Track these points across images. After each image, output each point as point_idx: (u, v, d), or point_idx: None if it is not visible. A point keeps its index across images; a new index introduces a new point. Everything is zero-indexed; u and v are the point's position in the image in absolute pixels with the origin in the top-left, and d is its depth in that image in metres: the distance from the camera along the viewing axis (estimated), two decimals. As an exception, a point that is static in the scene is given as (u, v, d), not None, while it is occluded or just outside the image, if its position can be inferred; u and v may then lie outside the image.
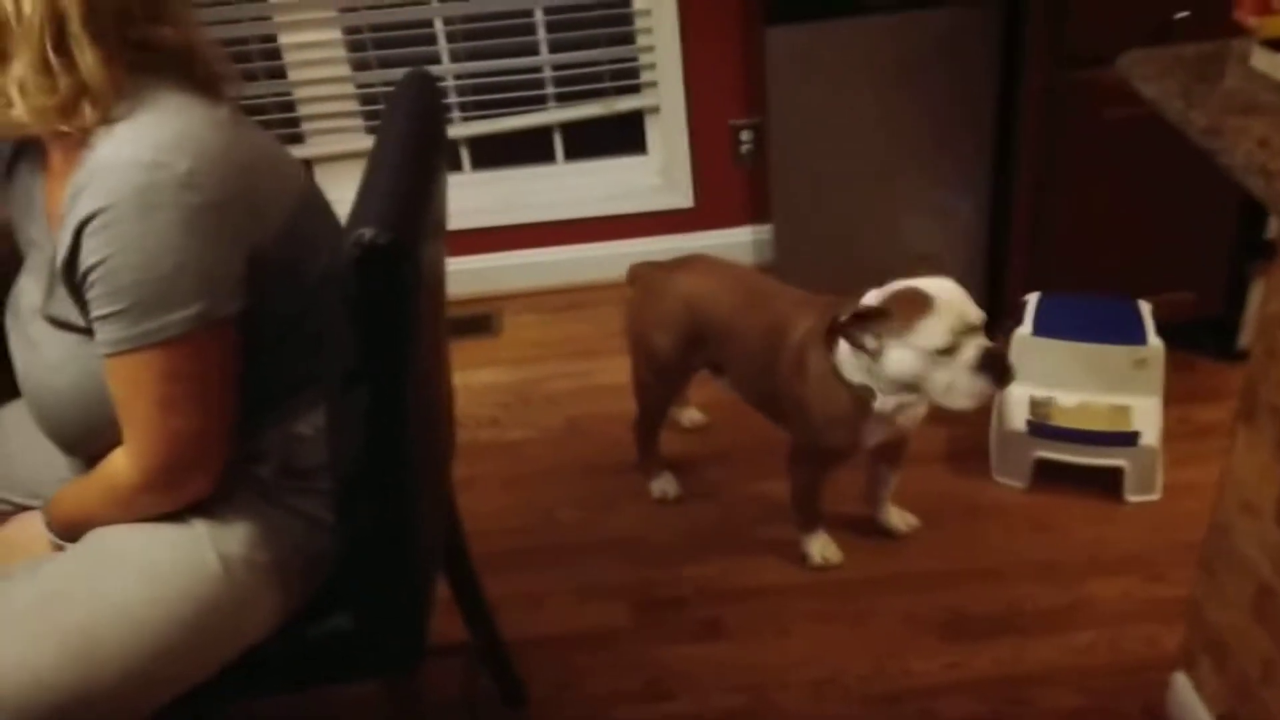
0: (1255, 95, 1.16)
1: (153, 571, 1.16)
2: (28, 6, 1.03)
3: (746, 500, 2.21)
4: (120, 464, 1.15)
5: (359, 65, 2.81)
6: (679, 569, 2.06)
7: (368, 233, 1.00)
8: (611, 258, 2.95)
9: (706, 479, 2.26)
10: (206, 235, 1.07)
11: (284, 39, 2.73)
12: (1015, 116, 2.30)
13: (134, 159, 1.05)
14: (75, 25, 1.04)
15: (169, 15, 1.11)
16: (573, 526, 2.19)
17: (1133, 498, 2.10)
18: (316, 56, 2.76)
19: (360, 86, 2.82)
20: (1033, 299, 2.23)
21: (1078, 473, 2.11)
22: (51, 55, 1.04)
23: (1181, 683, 1.63)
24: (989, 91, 2.33)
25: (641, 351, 2.09)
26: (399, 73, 1.38)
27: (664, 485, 2.21)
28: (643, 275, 2.12)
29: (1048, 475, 2.14)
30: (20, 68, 1.05)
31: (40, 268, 1.21)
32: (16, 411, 1.41)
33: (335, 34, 2.73)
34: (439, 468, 1.47)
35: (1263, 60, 1.19)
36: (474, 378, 2.62)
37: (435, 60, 2.77)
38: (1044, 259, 2.36)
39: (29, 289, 1.23)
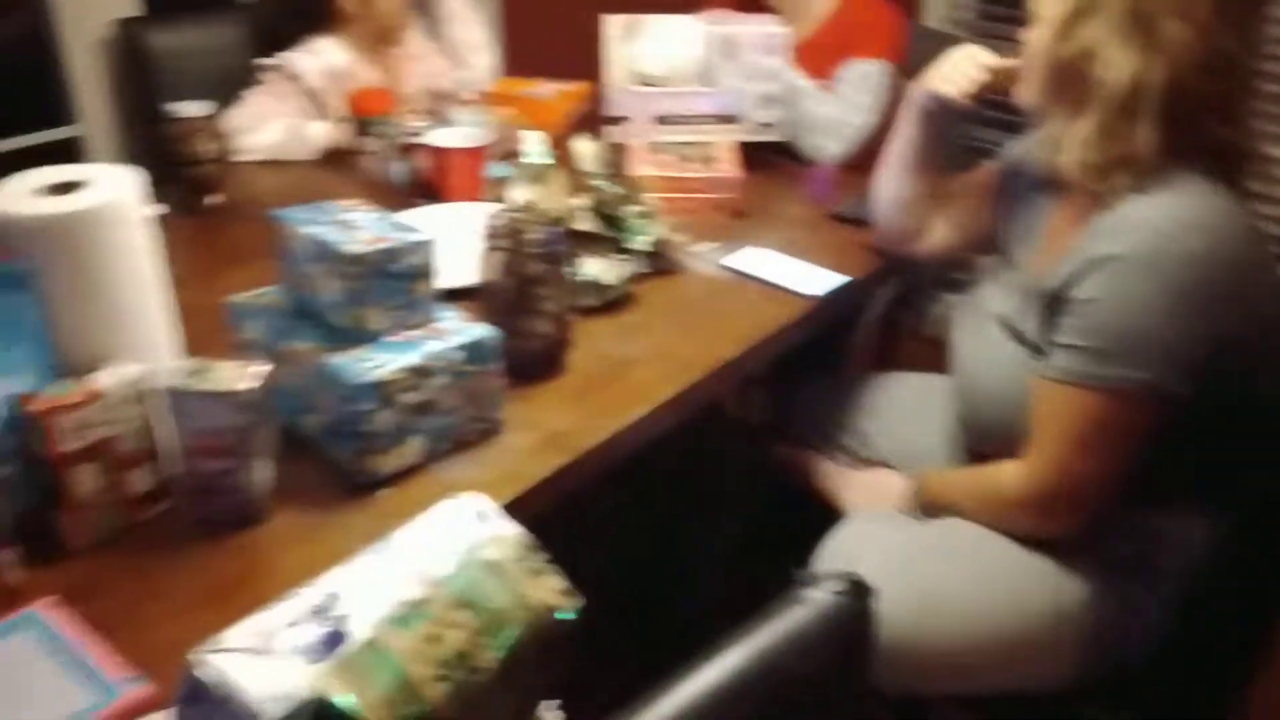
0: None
1: (991, 581, 1.25)
2: (1115, 74, 1.15)
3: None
4: (1009, 474, 1.25)
5: None
6: None
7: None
8: None
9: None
10: (1185, 314, 1.13)
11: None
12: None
13: (1155, 225, 1.14)
14: (1148, 103, 1.15)
15: (1235, 117, 1.20)
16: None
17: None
18: None
19: None
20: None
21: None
22: (1116, 122, 1.16)
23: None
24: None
25: None
26: None
27: None
28: None
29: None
30: (1086, 125, 1.18)
31: (1012, 283, 1.33)
32: (920, 382, 1.63)
33: None
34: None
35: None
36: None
37: None
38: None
39: (994, 295, 1.36)
